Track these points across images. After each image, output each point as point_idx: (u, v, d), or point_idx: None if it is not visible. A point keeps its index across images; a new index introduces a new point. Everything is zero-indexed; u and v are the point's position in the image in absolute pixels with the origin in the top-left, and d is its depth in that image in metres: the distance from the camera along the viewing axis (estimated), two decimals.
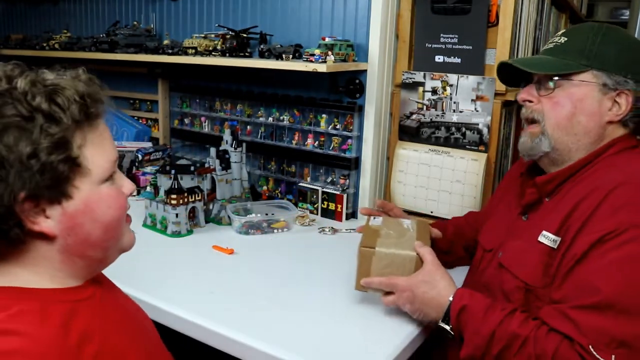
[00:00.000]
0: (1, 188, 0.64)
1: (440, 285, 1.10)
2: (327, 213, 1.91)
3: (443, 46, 1.71)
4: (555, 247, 1.03)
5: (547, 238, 1.05)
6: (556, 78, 1.08)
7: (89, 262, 0.77)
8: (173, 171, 1.69)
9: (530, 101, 1.13)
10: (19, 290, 0.70)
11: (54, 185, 0.68)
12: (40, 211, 0.69)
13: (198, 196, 1.70)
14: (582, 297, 0.94)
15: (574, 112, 1.07)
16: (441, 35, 1.71)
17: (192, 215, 1.72)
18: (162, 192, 1.73)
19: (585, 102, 1.07)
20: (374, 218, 1.37)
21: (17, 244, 0.70)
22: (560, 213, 1.04)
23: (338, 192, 1.88)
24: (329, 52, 1.65)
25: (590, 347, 0.91)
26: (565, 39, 1.11)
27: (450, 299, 1.07)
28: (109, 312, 0.79)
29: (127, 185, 0.81)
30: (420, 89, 1.76)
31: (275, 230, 1.74)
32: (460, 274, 1.38)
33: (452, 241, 1.45)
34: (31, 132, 0.65)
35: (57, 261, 0.73)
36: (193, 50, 1.96)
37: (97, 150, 0.73)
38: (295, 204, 1.94)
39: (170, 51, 2.01)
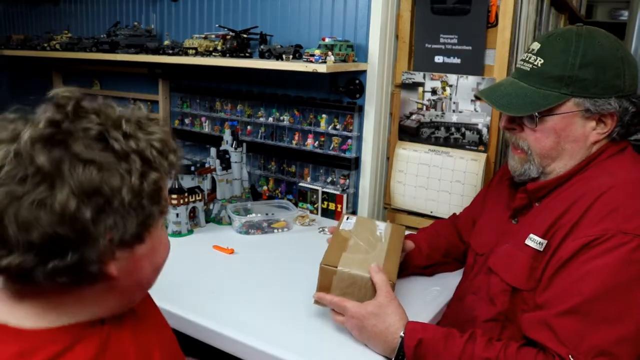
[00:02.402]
0: (98, 229, 0.63)
1: (390, 320, 1.04)
2: (327, 213, 1.91)
3: (443, 46, 1.72)
4: (542, 249, 1.03)
5: (533, 241, 1.05)
6: (538, 115, 1.05)
7: (127, 301, 0.76)
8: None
9: (513, 129, 1.12)
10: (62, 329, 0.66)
11: (140, 230, 0.68)
12: (112, 253, 0.67)
13: (198, 196, 1.71)
14: (564, 301, 0.94)
15: (558, 142, 1.07)
16: (441, 35, 1.71)
17: (192, 215, 1.72)
18: None
19: (569, 130, 1.06)
20: (347, 219, 1.29)
21: (82, 284, 0.67)
22: (549, 216, 1.04)
23: (338, 192, 1.88)
24: (329, 53, 1.65)
25: (570, 356, 0.90)
26: (542, 60, 1.06)
27: (402, 334, 1.02)
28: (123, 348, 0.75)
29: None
30: (420, 89, 1.76)
31: (276, 230, 1.74)
32: (454, 278, 1.40)
33: (429, 255, 1.41)
34: (133, 176, 0.65)
35: (101, 300, 0.71)
36: (193, 51, 1.97)
37: None
38: (295, 204, 1.94)
39: (170, 52, 2.01)
